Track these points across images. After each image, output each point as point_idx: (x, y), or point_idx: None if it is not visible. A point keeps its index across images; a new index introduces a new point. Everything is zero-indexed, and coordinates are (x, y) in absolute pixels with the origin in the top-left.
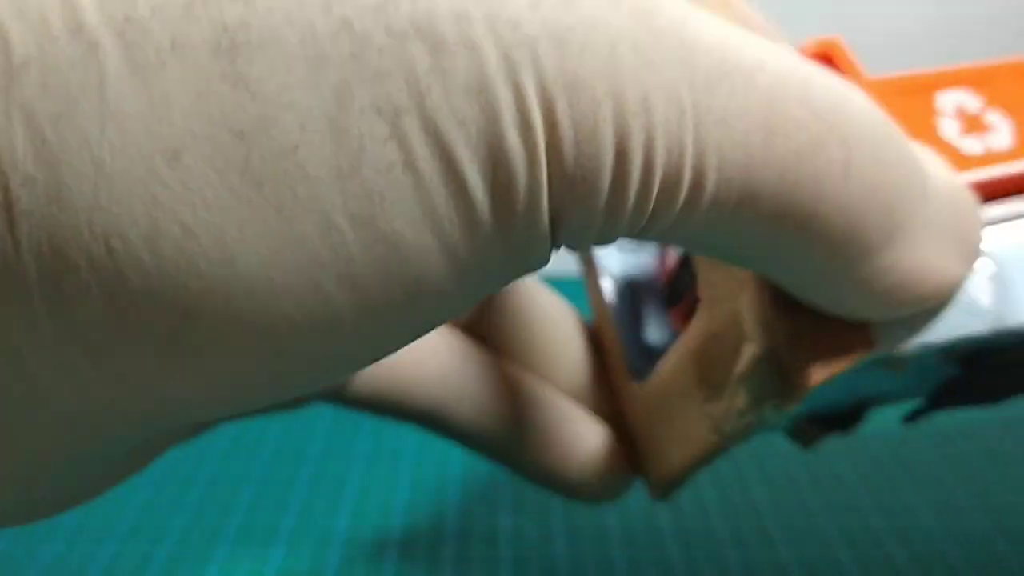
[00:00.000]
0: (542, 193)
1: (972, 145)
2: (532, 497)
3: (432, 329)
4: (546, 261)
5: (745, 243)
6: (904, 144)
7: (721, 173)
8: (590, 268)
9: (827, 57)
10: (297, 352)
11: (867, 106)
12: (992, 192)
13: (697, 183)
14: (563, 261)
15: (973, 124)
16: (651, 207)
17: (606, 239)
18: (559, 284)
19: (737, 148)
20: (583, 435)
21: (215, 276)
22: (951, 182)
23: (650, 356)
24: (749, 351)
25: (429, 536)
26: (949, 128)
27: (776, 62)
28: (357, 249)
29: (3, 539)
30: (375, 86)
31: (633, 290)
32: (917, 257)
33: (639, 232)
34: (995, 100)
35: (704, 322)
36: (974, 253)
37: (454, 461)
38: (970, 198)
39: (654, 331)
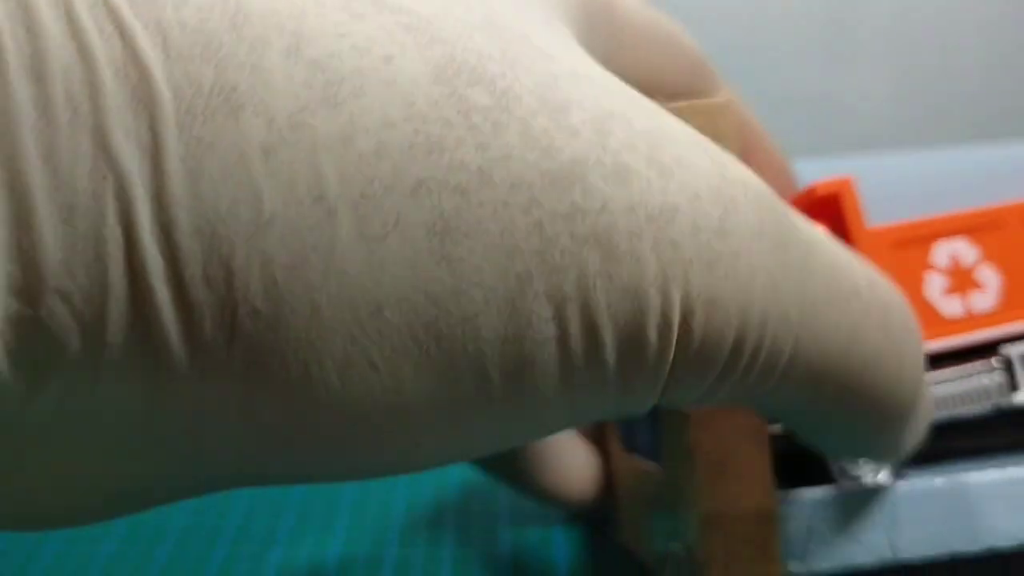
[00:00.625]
0: (663, 375)
1: (952, 306)
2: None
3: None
4: (644, 413)
5: (807, 408)
6: (920, 338)
7: (807, 368)
8: None
9: (835, 197)
10: (420, 452)
11: (908, 313)
12: (952, 355)
13: (784, 374)
14: None
15: (961, 281)
16: (740, 390)
17: (699, 404)
18: None
19: (823, 355)
20: (583, 466)
21: (385, 398)
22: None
23: (632, 429)
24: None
25: (429, 532)
26: (935, 286)
27: (867, 290)
28: (499, 395)
29: (3, 539)
30: (551, 277)
31: None
32: (908, 436)
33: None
34: (994, 251)
35: (664, 475)
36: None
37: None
38: (930, 395)
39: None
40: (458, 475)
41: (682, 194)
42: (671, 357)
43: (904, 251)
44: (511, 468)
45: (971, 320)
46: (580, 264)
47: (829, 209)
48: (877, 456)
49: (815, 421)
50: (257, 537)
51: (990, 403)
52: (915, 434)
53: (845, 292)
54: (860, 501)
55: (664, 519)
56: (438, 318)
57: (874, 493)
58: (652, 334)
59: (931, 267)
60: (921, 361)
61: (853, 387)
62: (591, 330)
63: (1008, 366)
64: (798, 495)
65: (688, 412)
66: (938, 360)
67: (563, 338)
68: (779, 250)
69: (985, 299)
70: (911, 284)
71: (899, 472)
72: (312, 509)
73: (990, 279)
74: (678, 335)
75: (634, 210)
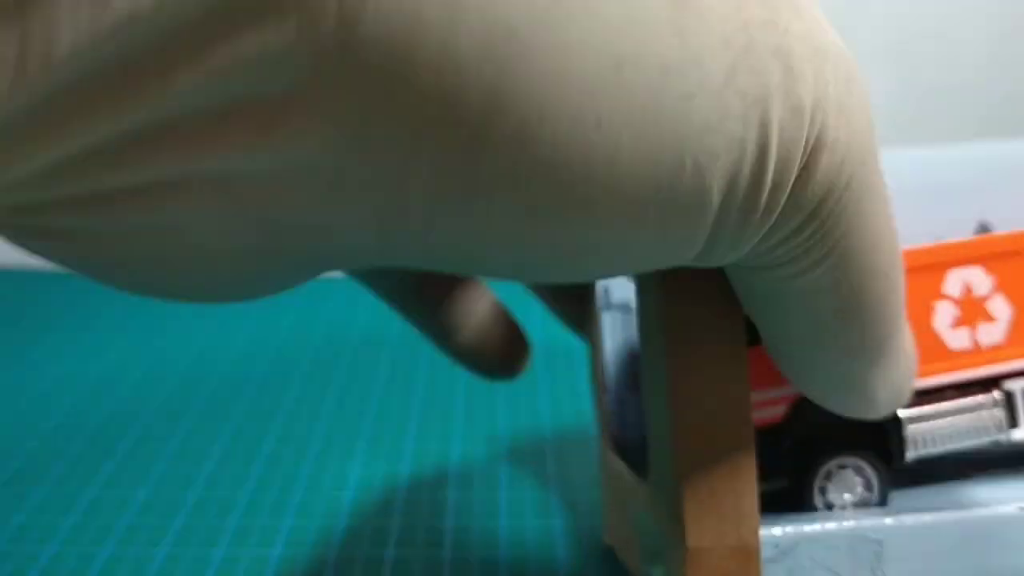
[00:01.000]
0: (783, 200)
1: (959, 339)
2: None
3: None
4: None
5: (817, 308)
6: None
7: (843, 253)
8: (595, 331)
9: None
10: (587, 252)
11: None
12: (955, 387)
13: (827, 253)
14: None
15: (972, 312)
16: (792, 255)
17: (750, 260)
18: None
19: (856, 247)
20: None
21: (598, 167)
22: (909, 348)
23: (624, 427)
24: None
25: (428, 532)
26: (944, 316)
27: (889, 203)
28: (687, 188)
29: (3, 539)
30: (748, 77)
31: (633, 359)
32: (881, 381)
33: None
34: (1008, 281)
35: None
36: (903, 401)
37: (454, 462)
38: (913, 363)
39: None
40: (457, 474)
41: (830, 44)
42: (793, 183)
43: (917, 277)
44: (442, 328)
45: (977, 354)
46: (768, 72)
47: None
48: (854, 401)
49: (812, 333)
50: (257, 538)
51: (989, 438)
52: (890, 389)
53: (881, 197)
54: (846, 538)
55: (648, 542)
56: (663, 89)
57: (860, 530)
58: (798, 161)
59: (943, 296)
60: (902, 301)
61: (859, 292)
62: (765, 137)
63: (1009, 401)
64: (783, 532)
65: (676, 441)
66: (940, 392)
67: (745, 139)
68: (866, 129)
69: (994, 332)
70: (921, 312)
71: (888, 496)
72: (312, 509)
73: (1001, 311)
74: (807, 159)
75: (806, 39)
